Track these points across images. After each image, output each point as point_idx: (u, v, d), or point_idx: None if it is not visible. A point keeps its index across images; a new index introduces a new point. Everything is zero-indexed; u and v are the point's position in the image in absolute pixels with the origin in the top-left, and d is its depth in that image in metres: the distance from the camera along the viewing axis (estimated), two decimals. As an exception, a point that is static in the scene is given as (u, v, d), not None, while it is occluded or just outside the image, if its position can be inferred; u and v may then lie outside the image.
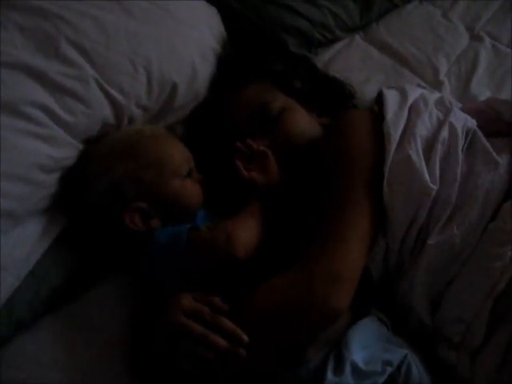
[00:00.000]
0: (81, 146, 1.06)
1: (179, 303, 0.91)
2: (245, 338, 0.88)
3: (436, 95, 1.14)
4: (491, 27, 1.64)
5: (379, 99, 1.10)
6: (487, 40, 1.60)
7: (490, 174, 1.00)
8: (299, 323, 0.91)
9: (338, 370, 0.90)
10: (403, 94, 1.09)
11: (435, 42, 1.60)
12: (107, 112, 1.07)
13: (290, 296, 0.92)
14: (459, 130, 1.03)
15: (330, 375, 0.89)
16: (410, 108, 1.06)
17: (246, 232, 0.98)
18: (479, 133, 1.06)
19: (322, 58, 1.56)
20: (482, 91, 1.47)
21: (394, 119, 1.02)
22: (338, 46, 1.62)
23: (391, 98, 1.07)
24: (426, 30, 1.64)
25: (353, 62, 1.56)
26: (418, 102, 1.07)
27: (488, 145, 1.04)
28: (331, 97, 1.29)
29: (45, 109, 0.98)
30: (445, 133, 1.02)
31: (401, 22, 1.67)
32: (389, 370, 0.91)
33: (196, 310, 0.91)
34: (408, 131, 1.01)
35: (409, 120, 1.03)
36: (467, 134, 1.05)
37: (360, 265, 0.94)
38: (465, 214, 0.96)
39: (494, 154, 1.02)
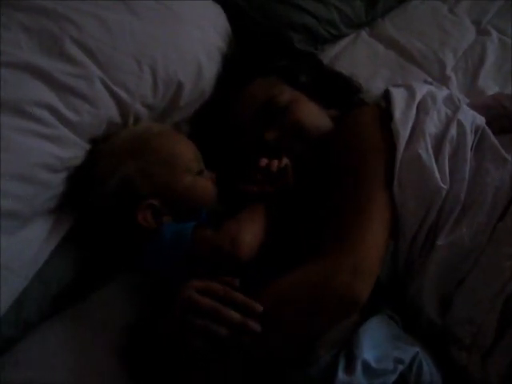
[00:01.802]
0: (87, 146, 1.06)
1: (191, 283, 0.90)
2: (258, 306, 0.87)
3: (444, 92, 1.13)
4: (498, 21, 1.64)
5: (386, 97, 1.08)
6: (494, 34, 1.59)
7: (498, 171, 0.99)
8: (318, 311, 0.90)
9: (349, 368, 0.89)
10: (410, 92, 1.07)
11: (441, 36, 1.59)
12: (113, 111, 1.07)
13: (312, 283, 0.90)
14: (468, 128, 1.02)
15: (341, 374, 0.89)
16: (418, 105, 1.05)
17: (250, 234, 0.98)
18: (488, 130, 1.05)
19: (328, 55, 1.56)
20: (490, 85, 1.47)
21: (403, 117, 1.01)
22: (343, 42, 1.61)
23: (398, 95, 1.06)
24: (432, 24, 1.63)
25: (359, 58, 1.56)
26: (425, 98, 1.06)
27: (496, 142, 1.03)
28: (337, 92, 1.28)
29: (50, 108, 0.98)
30: (453, 130, 1.01)
31: (407, 17, 1.67)
32: (400, 367, 0.90)
33: (207, 286, 0.89)
34: (417, 129, 1.00)
35: (417, 118, 1.02)
36: (476, 132, 1.04)
37: (380, 257, 0.94)
38: (474, 214, 0.95)
39: (503, 151, 1.01)
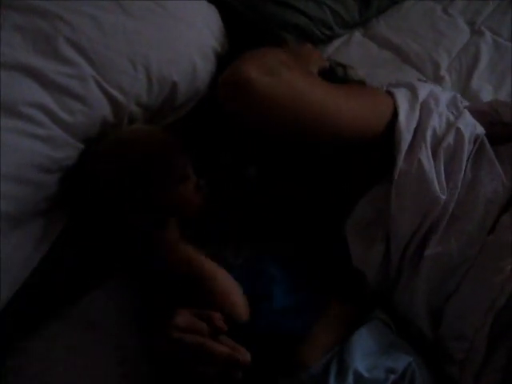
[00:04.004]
0: (81, 146, 1.05)
1: (173, 319, 0.84)
2: (247, 358, 0.83)
3: (448, 94, 1.09)
4: (492, 22, 1.63)
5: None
6: (488, 35, 1.59)
7: (493, 183, 0.97)
8: None
9: (340, 377, 0.89)
10: (413, 92, 1.04)
11: (435, 37, 1.59)
12: (107, 111, 1.07)
13: None
14: (466, 137, 0.99)
15: (332, 382, 0.88)
16: (421, 106, 1.01)
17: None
18: (486, 141, 1.02)
19: (322, 55, 1.55)
20: (483, 86, 1.47)
21: (407, 121, 0.98)
22: (337, 42, 1.61)
23: (401, 96, 1.02)
24: (426, 25, 1.63)
25: (353, 59, 1.54)
26: (428, 100, 1.03)
27: (493, 155, 1.00)
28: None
29: (44, 109, 0.98)
30: (450, 138, 0.98)
31: (401, 17, 1.66)
32: (392, 377, 0.89)
33: (191, 324, 0.84)
34: (419, 133, 0.98)
35: (419, 120, 0.99)
36: (475, 142, 1.01)
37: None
38: (463, 225, 0.94)
39: (498, 165, 0.99)
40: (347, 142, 0.96)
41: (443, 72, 1.51)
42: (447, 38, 1.59)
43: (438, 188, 0.93)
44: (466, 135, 0.99)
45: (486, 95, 1.45)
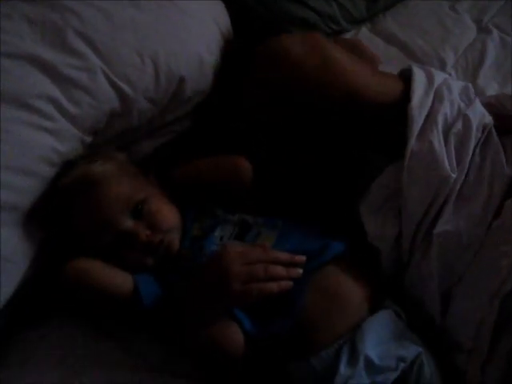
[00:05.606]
0: (87, 139, 1.06)
1: (230, 255, 0.91)
2: (302, 258, 0.94)
3: (460, 83, 1.14)
4: (499, 19, 1.63)
5: (406, 75, 1.10)
6: (495, 32, 1.59)
7: (495, 169, 1.00)
8: None
9: (352, 362, 0.90)
10: (430, 77, 1.09)
11: (442, 34, 1.59)
12: (114, 104, 1.07)
13: None
14: (474, 125, 1.03)
15: (342, 367, 0.89)
16: (434, 93, 1.06)
17: None
18: (493, 131, 1.05)
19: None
20: (489, 84, 1.47)
21: (419, 105, 1.03)
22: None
23: (419, 79, 1.07)
24: (433, 21, 1.63)
25: (359, 54, 1.55)
26: (441, 87, 1.07)
27: (499, 143, 1.03)
28: None
29: (52, 101, 0.98)
30: (459, 124, 1.02)
31: (408, 13, 1.66)
32: (402, 365, 0.90)
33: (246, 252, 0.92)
34: (431, 117, 1.02)
35: (432, 105, 1.04)
36: (484, 130, 1.05)
37: None
38: (471, 206, 0.97)
39: (502, 153, 1.02)
40: (361, 105, 1.05)
41: (449, 69, 1.51)
42: (454, 35, 1.59)
43: (448, 167, 0.97)
44: (475, 123, 1.03)
45: (492, 93, 1.44)
